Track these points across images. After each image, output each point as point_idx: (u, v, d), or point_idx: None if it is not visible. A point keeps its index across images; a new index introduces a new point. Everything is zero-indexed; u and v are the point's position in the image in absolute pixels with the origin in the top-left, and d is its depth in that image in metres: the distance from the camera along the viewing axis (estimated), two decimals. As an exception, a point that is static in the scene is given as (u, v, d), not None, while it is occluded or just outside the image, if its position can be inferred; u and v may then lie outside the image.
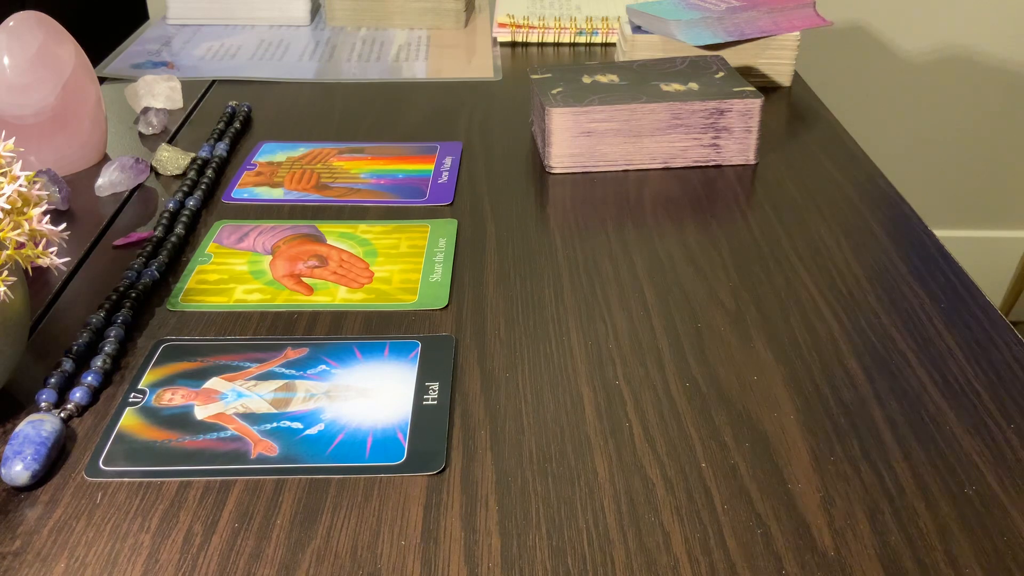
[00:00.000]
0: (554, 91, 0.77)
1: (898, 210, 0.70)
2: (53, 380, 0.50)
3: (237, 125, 0.84)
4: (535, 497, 0.43)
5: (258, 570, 0.40)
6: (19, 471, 0.44)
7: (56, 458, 0.46)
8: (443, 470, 0.45)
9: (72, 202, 0.71)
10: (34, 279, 0.60)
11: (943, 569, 0.40)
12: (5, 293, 0.45)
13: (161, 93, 0.88)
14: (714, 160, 0.77)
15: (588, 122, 0.74)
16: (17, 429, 0.46)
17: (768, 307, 0.58)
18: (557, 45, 1.09)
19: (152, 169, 0.76)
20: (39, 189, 0.47)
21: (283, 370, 0.52)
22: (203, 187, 0.72)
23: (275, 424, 0.48)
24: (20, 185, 0.46)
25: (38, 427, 0.45)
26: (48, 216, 0.47)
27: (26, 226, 0.46)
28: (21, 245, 0.46)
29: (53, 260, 0.47)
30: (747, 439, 0.47)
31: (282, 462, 0.45)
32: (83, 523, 0.42)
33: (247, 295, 0.59)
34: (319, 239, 0.66)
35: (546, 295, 0.59)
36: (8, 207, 0.45)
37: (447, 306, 0.58)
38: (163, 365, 0.53)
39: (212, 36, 1.12)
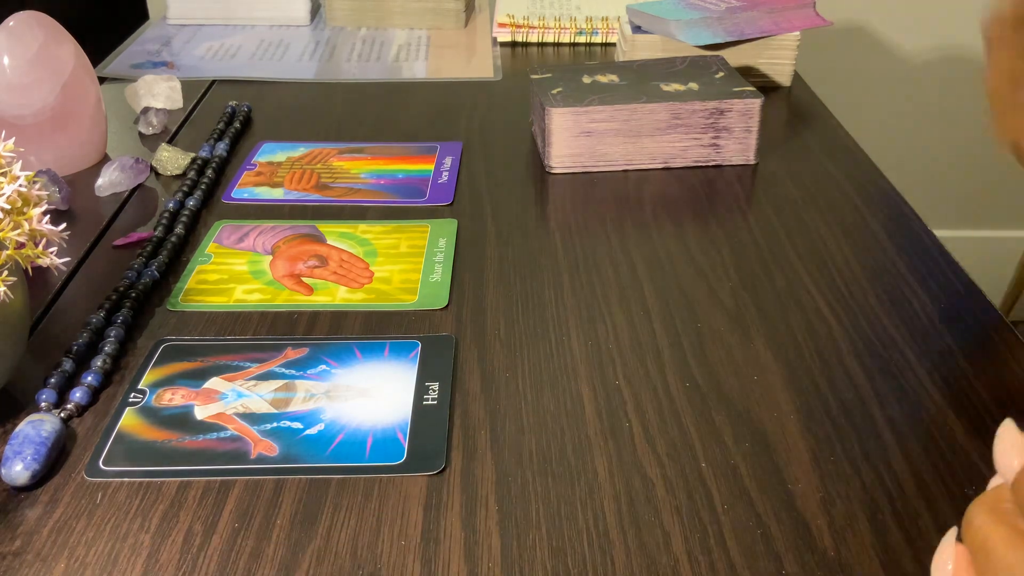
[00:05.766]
0: (554, 91, 0.77)
1: (898, 210, 0.70)
2: (53, 380, 0.50)
3: (237, 125, 0.84)
4: (535, 497, 0.43)
5: (258, 570, 0.40)
6: (19, 471, 0.44)
7: (56, 458, 0.46)
8: (443, 470, 0.45)
9: (72, 202, 0.71)
10: (34, 279, 0.60)
11: (943, 569, 0.40)
12: (5, 293, 0.45)
13: (161, 93, 0.88)
14: (714, 160, 0.77)
15: (588, 122, 0.74)
16: (17, 429, 0.46)
17: (768, 307, 0.58)
18: (557, 45, 1.09)
19: (152, 169, 0.76)
20: (39, 189, 0.47)
21: (283, 370, 0.52)
22: (203, 187, 0.72)
23: (275, 424, 0.48)
24: (20, 185, 0.46)
25: (38, 427, 0.45)
26: (48, 216, 0.47)
27: (26, 226, 0.46)
28: (21, 245, 0.46)
29: (53, 260, 0.47)
30: (747, 439, 0.47)
31: (282, 462, 0.45)
32: (83, 523, 0.42)
33: (247, 295, 0.59)
34: (319, 239, 0.66)
35: (546, 295, 0.59)
36: (8, 207, 0.45)
37: (447, 306, 0.58)
38: (163, 365, 0.53)
39: (212, 36, 1.12)
